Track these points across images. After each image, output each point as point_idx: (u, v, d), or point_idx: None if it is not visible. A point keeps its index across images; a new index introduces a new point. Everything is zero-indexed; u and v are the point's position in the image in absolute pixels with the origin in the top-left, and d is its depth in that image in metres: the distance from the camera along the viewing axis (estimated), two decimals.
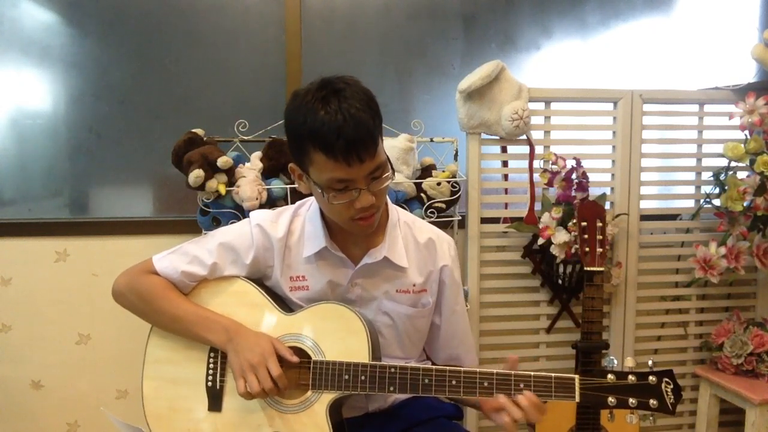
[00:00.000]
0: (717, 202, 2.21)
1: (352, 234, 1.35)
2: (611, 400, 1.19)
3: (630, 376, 1.19)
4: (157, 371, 1.37)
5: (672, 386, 1.18)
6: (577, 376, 1.20)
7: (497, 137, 2.18)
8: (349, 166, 1.16)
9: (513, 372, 1.22)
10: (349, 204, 1.22)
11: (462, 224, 2.20)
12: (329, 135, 1.14)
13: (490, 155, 2.24)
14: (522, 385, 1.21)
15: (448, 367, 1.25)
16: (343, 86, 1.18)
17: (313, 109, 1.16)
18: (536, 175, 2.19)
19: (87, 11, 2.22)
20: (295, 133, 1.20)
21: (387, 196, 1.43)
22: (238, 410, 1.31)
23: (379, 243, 1.36)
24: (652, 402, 1.18)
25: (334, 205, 1.23)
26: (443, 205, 2.08)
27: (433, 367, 1.26)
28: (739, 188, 2.12)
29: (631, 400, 1.18)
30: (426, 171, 2.13)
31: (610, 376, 1.19)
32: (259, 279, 1.41)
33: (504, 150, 2.23)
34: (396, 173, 2.03)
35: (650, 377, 1.18)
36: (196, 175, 1.85)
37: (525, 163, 2.21)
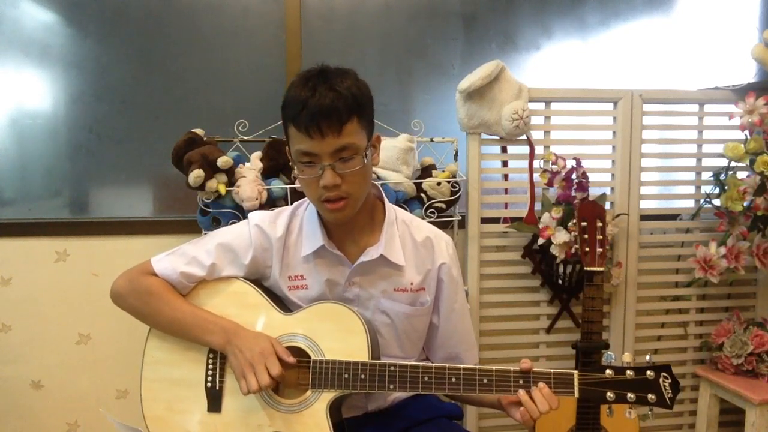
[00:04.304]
0: (717, 202, 2.21)
1: (350, 233, 1.36)
2: (610, 395, 1.19)
3: (628, 371, 1.20)
4: (156, 373, 1.37)
5: (670, 381, 1.19)
6: (576, 372, 1.21)
7: (497, 137, 2.18)
8: (310, 138, 1.20)
9: (512, 368, 1.23)
10: (315, 182, 1.24)
11: (462, 224, 2.20)
12: (296, 106, 1.20)
13: (490, 155, 2.24)
14: (521, 381, 1.22)
15: (447, 365, 1.25)
16: (333, 71, 1.25)
17: (294, 85, 1.23)
18: (536, 175, 2.19)
19: (87, 11, 2.22)
20: (281, 108, 1.26)
21: (383, 192, 1.43)
22: (237, 411, 1.31)
23: (376, 241, 1.37)
24: (651, 396, 1.18)
25: (302, 180, 1.27)
26: (443, 205, 2.08)
27: (433, 364, 1.26)
28: (739, 188, 2.12)
29: (630, 395, 1.19)
30: (426, 171, 2.13)
31: (608, 371, 1.20)
32: (258, 279, 1.41)
33: (504, 150, 2.23)
34: (396, 173, 2.03)
35: (648, 372, 1.19)
36: (196, 175, 1.85)
37: (525, 163, 2.21)
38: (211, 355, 1.34)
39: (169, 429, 1.34)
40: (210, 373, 1.34)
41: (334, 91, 1.20)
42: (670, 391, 1.18)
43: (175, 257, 1.37)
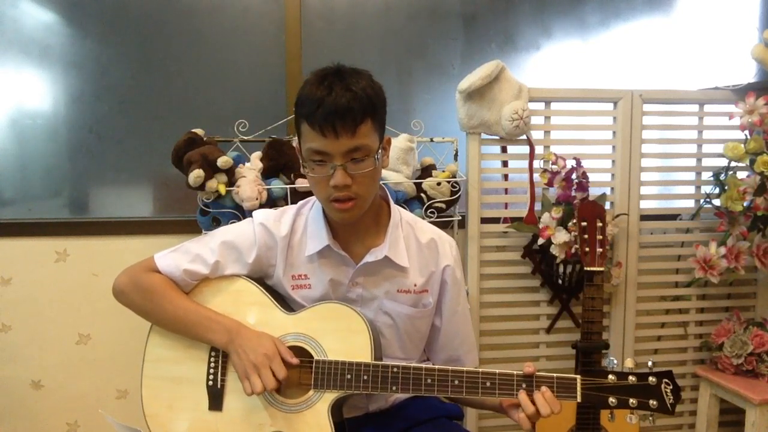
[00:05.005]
0: (717, 202, 2.21)
1: (355, 233, 1.36)
2: (612, 400, 1.20)
3: (630, 377, 1.20)
4: (157, 370, 1.36)
5: (671, 387, 1.19)
6: (578, 377, 1.21)
7: (497, 137, 2.18)
8: (324, 137, 1.20)
9: (515, 372, 1.23)
10: (325, 181, 1.24)
11: (462, 224, 2.20)
12: (311, 104, 1.20)
13: (490, 155, 2.24)
14: (524, 385, 1.22)
15: (450, 367, 1.25)
16: (349, 71, 1.25)
17: (309, 83, 1.23)
18: (536, 175, 2.19)
19: (87, 11, 2.22)
20: (294, 105, 1.27)
21: (388, 194, 1.43)
22: (239, 409, 1.31)
23: (381, 242, 1.37)
24: (652, 402, 1.19)
25: (312, 178, 1.27)
26: (443, 205, 2.08)
27: (436, 366, 1.26)
28: (739, 188, 2.12)
29: (632, 401, 1.19)
30: (426, 171, 2.13)
31: (610, 376, 1.20)
32: (261, 278, 1.41)
33: (504, 150, 2.23)
34: (396, 173, 2.03)
35: (650, 378, 1.20)
36: (196, 175, 1.85)
37: (525, 163, 2.21)
38: (212, 353, 1.34)
39: (169, 427, 1.33)
40: (212, 371, 1.33)
41: (350, 92, 1.19)
42: (671, 397, 1.19)
43: (179, 254, 1.36)
